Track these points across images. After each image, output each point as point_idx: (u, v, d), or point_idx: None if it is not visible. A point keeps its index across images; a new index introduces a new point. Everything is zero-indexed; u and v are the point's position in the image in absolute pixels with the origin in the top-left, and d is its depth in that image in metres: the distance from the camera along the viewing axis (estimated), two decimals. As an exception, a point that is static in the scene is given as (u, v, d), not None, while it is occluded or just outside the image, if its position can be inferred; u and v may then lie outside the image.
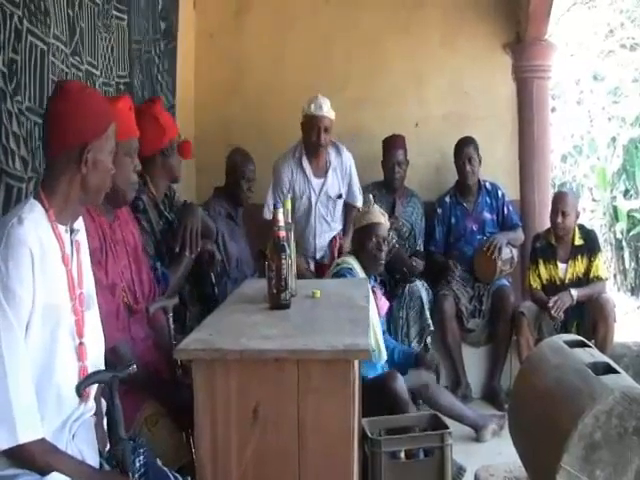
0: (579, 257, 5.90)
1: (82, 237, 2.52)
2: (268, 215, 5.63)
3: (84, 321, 2.40)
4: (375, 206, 4.89)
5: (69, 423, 2.36)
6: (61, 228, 2.36)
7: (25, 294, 2.17)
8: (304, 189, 5.90)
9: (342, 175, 6.04)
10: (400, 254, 5.95)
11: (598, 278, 5.87)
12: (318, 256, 6.04)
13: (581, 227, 6.02)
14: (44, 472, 2.18)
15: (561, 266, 5.94)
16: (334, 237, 6.06)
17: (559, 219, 5.83)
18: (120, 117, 3.21)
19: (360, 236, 4.77)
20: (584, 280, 5.88)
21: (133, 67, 4.80)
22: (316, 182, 5.95)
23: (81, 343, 2.37)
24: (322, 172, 5.98)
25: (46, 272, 2.25)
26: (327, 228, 6.03)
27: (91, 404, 2.48)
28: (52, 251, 2.30)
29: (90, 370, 2.41)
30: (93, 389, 2.44)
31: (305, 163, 5.92)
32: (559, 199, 5.94)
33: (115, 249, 3.26)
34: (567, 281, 5.89)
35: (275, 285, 3.24)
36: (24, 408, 2.16)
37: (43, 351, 2.24)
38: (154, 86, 5.20)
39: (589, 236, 5.98)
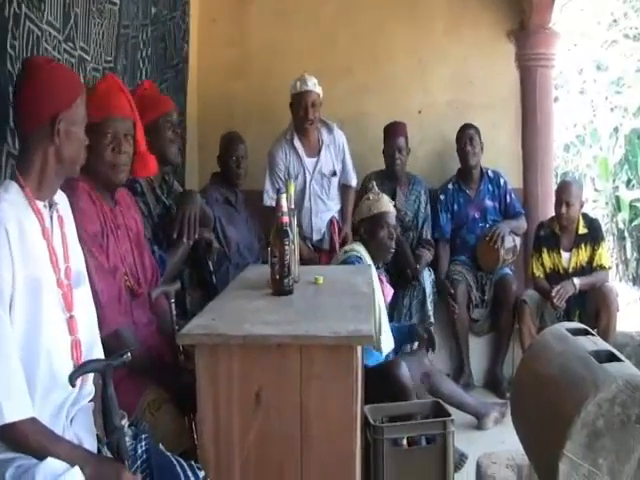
0: (583, 246, 5.89)
1: (65, 212, 2.52)
2: (268, 201, 5.68)
3: (73, 295, 2.40)
4: (384, 194, 4.89)
5: (66, 407, 2.35)
6: (39, 204, 2.37)
7: (5, 273, 2.17)
8: (298, 169, 5.88)
9: (335, 153, 6.03)
10: (405, 254, 5.92)
11: (601, 267, 5.87)
12: (315, 237, 6.00)
13: (585, 216, 6.02)
14: (39, 456, 2.18)
15: (564, 255, 5.94)
16: (332, 221, 6.03)
17: (563, 209, 5.82)
18: (97, 98, 3.20)
19: (371, 225, 4.73)
20: (587, 269, 5.88)
21: (118, 52, 4.75)
22: (309, 161, 5.94)
23: (71, 317, 2.38)
24: (315, 151, 5.98)
25: (26, 247, 2.25)
26: (323, 207, 6.01)
27: (89, 388, 2.47)
28: (31, 227, 2.31)
29: (83, 344, 2.42)
30: (91, 373, 2.43)
31: (297, 143, 5.91)
32: (563, 189, 5.92)
33: (116, 233, 3.24)
34: (570, 270, 5.89)
35: (278, 271, 3.25)
36: (10, 387, 2.15)
37: (28, 324, 2.23)
38: (135, 72, 5.16)
39: (593, 225, 5.98)
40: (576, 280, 5.72)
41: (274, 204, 5.42)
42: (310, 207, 5.91)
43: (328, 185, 6.00)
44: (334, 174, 6.02)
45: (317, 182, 5.96)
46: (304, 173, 5.89)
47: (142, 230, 3.54)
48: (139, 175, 3.69)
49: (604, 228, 9.97)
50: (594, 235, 5.92)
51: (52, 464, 2.16)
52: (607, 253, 6.14)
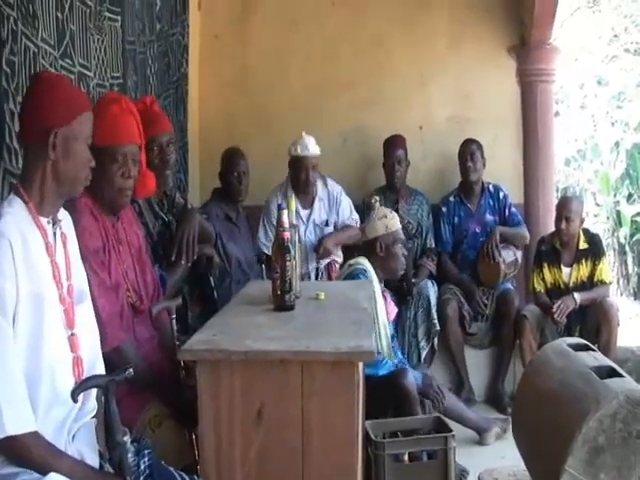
0: (583, 261, 5.89)
1: (68, 230, 2.52)
2: (262, 248, 5.76)
3: (74, 312, 2.40)
4: (394, 212, 4.93)
5: (68, 423, 2.35)
6: (43, 220, 2.37)
7: (8, 285, 2.17)
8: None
9: (330, 205, 6.09)
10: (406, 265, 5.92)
11: (602, 282, 5.87)
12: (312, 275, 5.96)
13: (586, 231, 6.02)
14: (42, 471, 2.17)
15: (565, 270, 5.94)
16: (330, 263, 6.02)
17: (563, 225, 5.83)
18: (109, 121, 3.21)
19: (388, 242, 4.74)
20: (588, 284, 5.88)
21: (127, 68, 4.79)
22: (303, 212, 6.01)
23: (73, 334, 2.38)
24: (308, 203, 6.06)
25: (29, 262, 2.25)
26: (316, 255, 6.00)
27: (92, 404, 2.47)
28: (35, 242, 2.31)
29: (85, 361, 2.41)
30: (93, 390, 2.43)
31: (291, 194, 5.91)
32: (563, 205, 5.94)
33: (118, 249, 3.26)
34: (571, 285, 5.89)
35: (279, 286, 3.25)
36: (12, 400, 2.15)
37: (30, 339, 2.23)
38: (146, 87, 5.20)
39: (593, 240, 5.98)
40: (577, 295, 5.72)
41: (265, 251, 5.53)
42: (305, 254, 5.87)
43: (321, 234, 6.04)
44: (327, 224, 6.08)
45: (311, 232, 6.01)
46: (298, 223, 5.87)
47: (144, 246, 3.55)
48: (138, 195, 3.69)
49: (605, 243, 9.95)
50: (595, 250, 5.92)
51: (54, 479, 2.16)
52: (608, 268, 6.14)
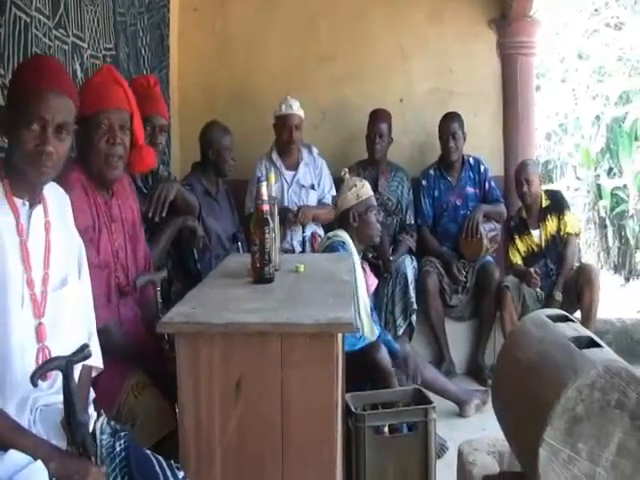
0: (549, 217, 6.13)
1: (56, 218, 2.46)
2: (246, 211, 5.82)
3: (47, 301, 2.34)
4: (364, 180, 4.91)
5: (30, 401, 2.30)
6: (17, 200, 2.32)
7: None
8: (276, 180, 5.87)
9: (314, 171, 6.16)
10: (383, 243, 5.90)
11: (569, 234, 6.08)
12: (298, 249, 5.91)
13: (546, 190, 6.32)
14: (5, 447, 2.14)
15: (535, 233, 6.17)
16: (313, 235, 6.01)
17: (525, 188, 6.09)
18: (92, 90, 3.17)
19: (361, 210, 4.71)
20: (558, 239, 6.08)
21: (119, 39, 4.79)
22: (288, 173, 6.07)
23: (40, 323, 2.32)
24: (293, 166, 6.12)
25: None
26: None
27: (59, 384, 2.38)
28: (4, 220, 2.27)
29: (56, 353, 2.32)
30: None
31: (275, 157, 6.08)
32: (520, 170, 6.16)
33: (110, 227, 3.20)
34: (544, 244, 6.13)
35: (258, 259, 3.23)
36: None
37: None
38: (138, 59, 5.18)
39: (555, 197, 6.26)
40: (556, 291, 5.92)
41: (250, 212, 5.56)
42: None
43: (306, 196, 6.08)
44: (313, 187, 6.12)
45: (295, 193, 6.05)
46: (282, 184, 5.98)
47: (138, 219, 3.50)
48: (136, 170, 3.64)
49: (585, 216, 10.05)
50: (557, 205, 6.15)
51: (14, 456, 2.12)
52: (573, 220, 6.31)
